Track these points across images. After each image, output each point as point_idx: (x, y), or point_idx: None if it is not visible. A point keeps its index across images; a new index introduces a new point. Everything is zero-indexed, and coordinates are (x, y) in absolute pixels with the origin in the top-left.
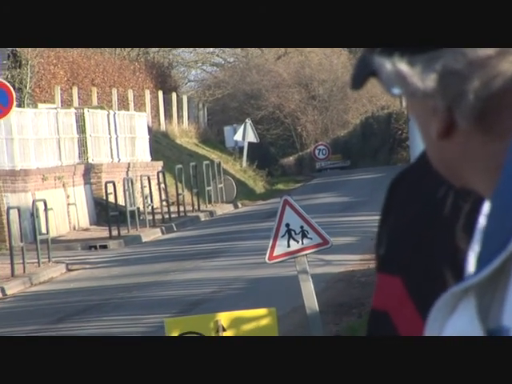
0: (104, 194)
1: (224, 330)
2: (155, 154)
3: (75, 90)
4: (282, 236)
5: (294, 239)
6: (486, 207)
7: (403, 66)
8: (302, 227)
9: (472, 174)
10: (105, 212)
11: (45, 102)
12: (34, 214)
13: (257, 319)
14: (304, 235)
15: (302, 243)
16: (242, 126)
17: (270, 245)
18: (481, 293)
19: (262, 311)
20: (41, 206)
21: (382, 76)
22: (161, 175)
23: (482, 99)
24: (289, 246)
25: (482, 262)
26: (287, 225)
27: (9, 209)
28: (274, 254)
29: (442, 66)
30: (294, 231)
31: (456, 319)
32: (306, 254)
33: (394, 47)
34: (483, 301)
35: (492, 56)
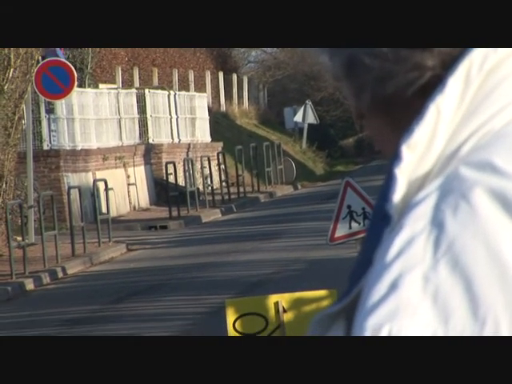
0: (164, 175)
1: (285, 311)
2: (215, 134)
3: (136, 71)
4: (344, 218)
5: (355, 221)
6: None
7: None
8: (363, 209)
9: (389, 155)
10: (165, 192)
11: (106, 82)
12: (94, 194)
13: (317, 300)
14: (366, 217)
15: (364, 225)
16: (302, 108)
17: (332, 226)
18: (348, 315)
19: (322, 292)
20: (101, 185)
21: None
22: (221, 156)
23: (378, 97)
24: (350, 227)
25: (348, 289)
26: (349, 206)
27: (69, 188)
28: (336, 235)
29: (349, 54)
30: (356, 213)
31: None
32: None
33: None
34: (351, 322)
35: (390, 55)
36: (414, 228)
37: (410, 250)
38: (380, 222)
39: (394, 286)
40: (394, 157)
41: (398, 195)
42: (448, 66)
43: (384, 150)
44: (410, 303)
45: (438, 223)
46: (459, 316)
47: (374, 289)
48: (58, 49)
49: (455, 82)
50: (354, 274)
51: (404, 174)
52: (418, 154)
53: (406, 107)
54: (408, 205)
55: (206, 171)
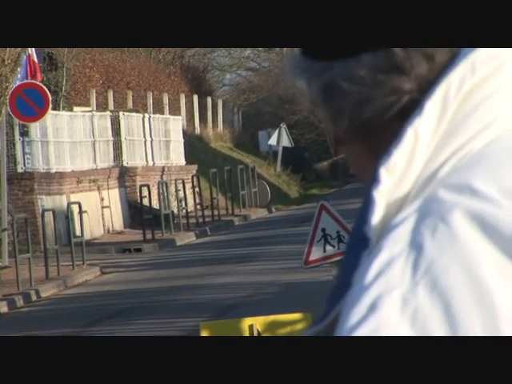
0: (138, 197)
1: (259, 333)
2: (190, 157)
3: (110, 94)
4: (318, 241)
5: (330, 244)
6: None
7: (297, 71)
8: (338, 232)
9: (366, 180)
10: (139, 215)
11: (80, 105)
12: (68, 217)
13: (292, 324)
14: (340, 240)
15: (338, 248)
16: (277, 131)
17: (306, 249)
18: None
19: (297, 316)
20: (75, 208)
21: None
22: (195, 179)
23: (356, 122)
24: (325, 250)
25: (326, 311)
26: (323, 229)
27: (43, 211)
28: (310, 258)
29: (327, 79)
30: (330, 236)
31: None
32: (342, 259)
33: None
34: None
35: (370, 79)
36: (393, 250)
37: (388, 271)
38: (358, 244)
39: (373, 307)
40: (373, 179)
41: (376, 217)
42: (425, 90)
43: (360, 173)
44: (390, 324)
45: (416, 245)
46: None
47: (353, 310)
48: (25, 73)
49: (432, 106)
50: (332, 296)
51: (382, 197)
52: (397, 177)
53: (382, 131)
54: (386, 227)
55: (181, 194)
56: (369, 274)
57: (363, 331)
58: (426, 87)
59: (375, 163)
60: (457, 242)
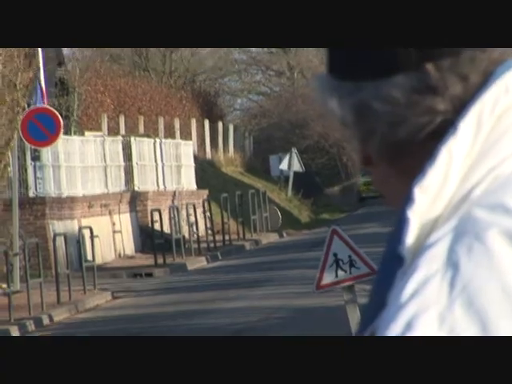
0: (150, 222)
1: None
2: (201, 182)
3: (122, 118)
4: (330, 266)
5: (341, 269)
6: None
7: (327, 91)
8: (349, 257)
9: (393, 202)
10: (150, 240)
11: (91, 129)
12: (79, 241)
13: None
14: (352, 265)
15: (350, 273)
16: (288, 155)
17: (318, 274)
18: None
19: None
20: (87, 233)
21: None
22: (206, 203)
23: (388, 142)
24: (337, 275)
25: (360, 331)
26: (335, 254)
27: (55, 236)
28: (322, 283)
29: (359, 100)
30: (342, 261)
31: None
32: (353, 284)
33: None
34: None
35: (407, 102)
36: (429, 269)
37: (425, 290)
38: (392, 263)
39: (409, 326)
40: (407, 199)
41: (410, 237)
42: (458, 110)
43: (387, 194)
44: None
45: (452, 264)
46: None
47: (388, 329)
48: (40, 97)
49: (467, 126)
50: (366, 316)
51: (417, 216)
52: (431, 197)
53: (414, 152)
54: (421, 246)
55: (192, 219)
56: (404, 293)
57: None
58: (460, 108)
59: (404, 184)
60: (493, 261)
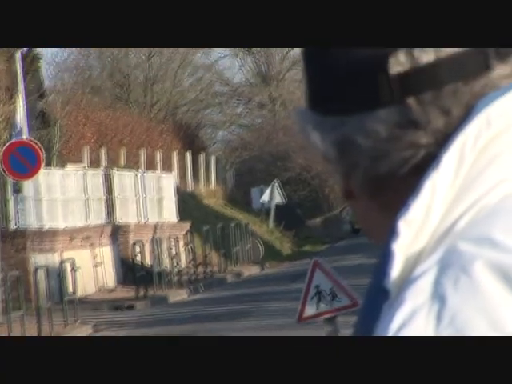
0: (131, 255)
1: None
2: (182, 214)
3: (103, 151)
4: (312, 298)
5: (323, 301)
6: None
7: (309, 125)
8: (331, 289)
9: (374, 235)
10: (132, 272)
11: (73, 161)
12: (61, 274)
13: None
14: (333, 297)
15: (332, 305)
16: (269, 188)
17: (300, 306)
18: None
19: None
20: (68, 266)
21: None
22: (188, 236)
23: (370, 176)
24: (318, 307)
25: None
26: (317, 286)
27: (36, 269)
28: (304, 315)
29: (341, 135)
30: (324, 292)
31: None
32: (335, 316)
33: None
34: None
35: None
36: (415, 302)
37: (411, 323)
38: (378, 296)
39: None
40: (391, 232)
41: (395, 270)
42: (441, 144)
43: (369, 229)
44: None
45: (439, 297)
46: None
47: None
48: (20, 130)
49: (450, 159)
50: None
51: (401, 250)
52: (414, 230)
53: (396, 186)
54: (407, 279)
55: (173, 251)
56: (392, 326)
57: None
58: (442, 141)
59: (386, 218)
60: (479, 293)
